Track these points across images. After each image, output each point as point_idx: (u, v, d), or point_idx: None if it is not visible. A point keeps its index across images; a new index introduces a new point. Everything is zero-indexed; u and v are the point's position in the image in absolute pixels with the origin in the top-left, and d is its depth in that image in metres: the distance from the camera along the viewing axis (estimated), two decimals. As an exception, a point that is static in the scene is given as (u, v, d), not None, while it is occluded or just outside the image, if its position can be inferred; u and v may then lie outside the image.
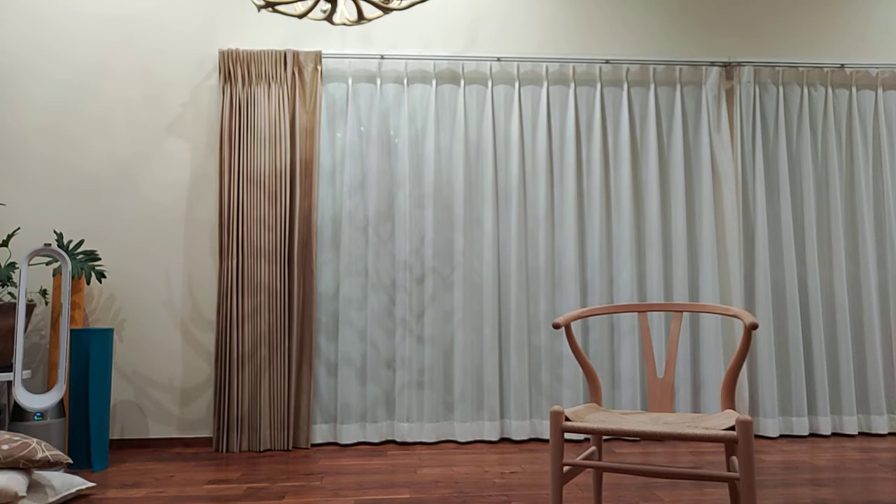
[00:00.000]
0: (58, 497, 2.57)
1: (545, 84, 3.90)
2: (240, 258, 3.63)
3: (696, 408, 3.82)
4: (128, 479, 2.96)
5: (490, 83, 3.87)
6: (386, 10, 2.83)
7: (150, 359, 3.69)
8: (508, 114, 3.92)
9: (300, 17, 2.92)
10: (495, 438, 3.69)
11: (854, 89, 4.06)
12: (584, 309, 2.37)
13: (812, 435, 3.85)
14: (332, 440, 3.68)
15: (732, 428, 1.77)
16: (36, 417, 3.03)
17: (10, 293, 3.44)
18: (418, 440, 3.67)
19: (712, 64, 4.00)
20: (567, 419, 1.94)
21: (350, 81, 3.82)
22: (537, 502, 2.55)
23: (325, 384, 3.71)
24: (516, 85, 3.89)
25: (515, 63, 3.93)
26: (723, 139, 3.94)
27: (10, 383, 3.43)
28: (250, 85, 3.73)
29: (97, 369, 3.20)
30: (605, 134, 3.94)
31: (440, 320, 3.76)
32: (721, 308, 2.20)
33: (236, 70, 3.72)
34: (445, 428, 3.72)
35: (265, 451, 3.54)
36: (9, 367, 3.24)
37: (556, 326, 2.21)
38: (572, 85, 3.91)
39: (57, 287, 3.43)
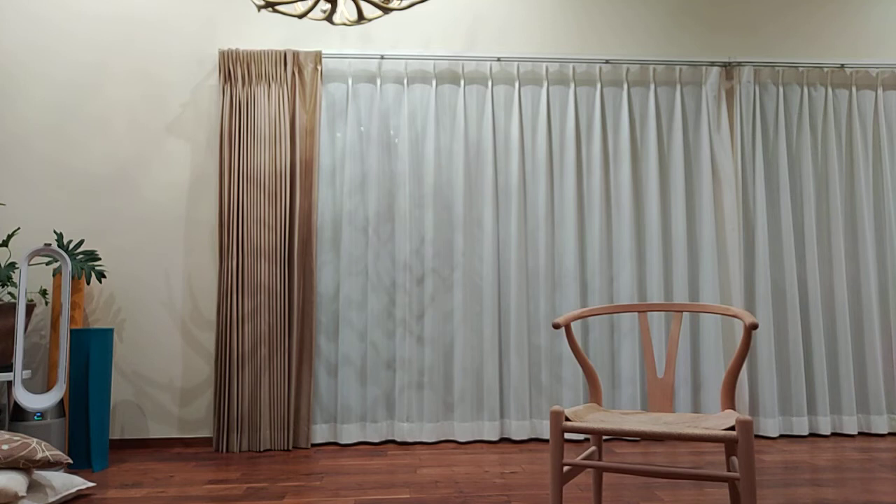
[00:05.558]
0: (58, 497, 2.57)
1: (545, 84, 3.90)
2: (240, 258, 3.63)
3: (696, 408, 3.82)
4: (128, 479, 2.96)
5: (490, 83, 3.87)
6: (386, 10, 2.83)
7: (150, 359, 3.68)
8: (508, 114, 3.92)
9: (300, 17, 2.92)
10: (495, 438, 3.69)
11: (854, 89, 4.06)
12: (584, 309, 2.37)
13: (812, 435, 3.85)
14: (332, 440, 3.68)
15: (732, 428, 1.77)
16: (36, 417, 3.03)
17: (10, 293, 3.44)
18: (418, 440, 3.67)
19: (712, 64, 4.00)
20: (567, 419, 1.94)
21: (350, 81, 3.82)
22: (537, 502, 2.55)
23: (325, 384, 3.71)
24: (516, 85, 3.89)
25: (515, 63, 3.93)
26: (723, 139, 3.94)
27: (10, 383, 3.43)
28: (250, 85, 3.73)
29: (97, 369, 3.20)
30: (605, 134, 3.94)
31: (440, 321, 3.76)
32: (721, 308, 2.20)
33: (236, 70, 3.72)
34: (445, 428, 3.72)
35: (265, 451, 3.54)
36: (9, 367, 3.24)
37: (556, 326, 2.21)
38: (572, 85, 3.91)
39: (57, 287, 3.43)
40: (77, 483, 2.70)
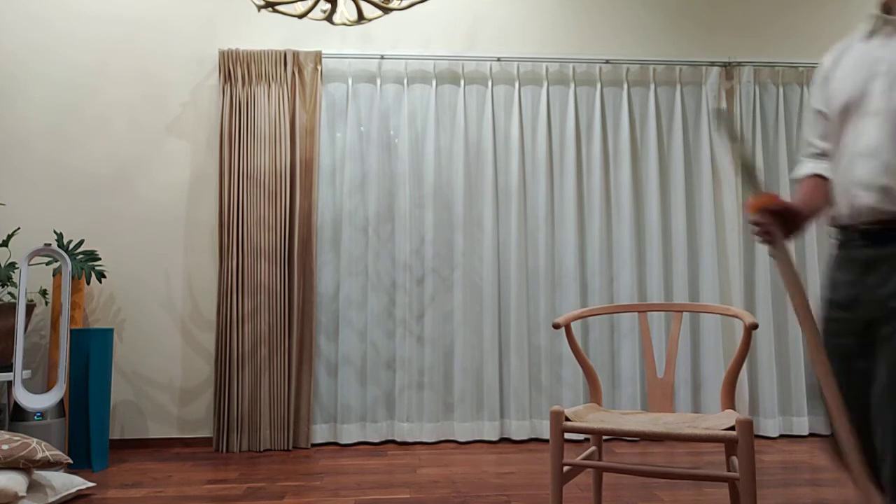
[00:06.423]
0: (58, 497, 2.57)
1: (545, 84, 3.89)
2: (240, 258, 3.63)
3: (696, 408, 3.82)
4: (128, 479, 2.96)
5: (490, 83, 3.87)
6: (386, 10, 2.83)
7: (150, 359, 3.68)
8: (508, 114, 3.92)
9: (300, 17, 2.92)
10: (495, 438, 3.69)
11: (854, 89, 4.06)
12: (584, 309, 2.37)
13: (812, 435, 3.85)
14: (332, 440, 3.68)
15: (732, 428, 1.77)
16: (36, 417, 3.03)
17: (10, 293, 3.44)
18: (418, 440, 3.67)
19: (712, 64, 4.00)
20: (567, 419, 1.94)
21: (350, 81, 3.82)
22: (537, 502, 2.55)
23: (325, 384, 3.71)
24: (516, 85, 3.88)
25: (515, 63, 3.93)
26: (723, 139, 3.94)
27: (10, 383, 3.43)
28: (250, 85, 3.73)
29: (97, 369, 3.20)
30: (605, 134, 3.94)
31: (440, 321, 3.75)
32: (721, 308, 2.20)
33: (236, 70, 3.72)
34: (445, 428, 3.72)
35: (265, 451, 3.54)
36: (9, 367, 3.24)
37: (556, 326, 2.21)
38: (572, 85, 3.91)
39: (57, 287, 3.43)
40: (77, 483, 2.70)
